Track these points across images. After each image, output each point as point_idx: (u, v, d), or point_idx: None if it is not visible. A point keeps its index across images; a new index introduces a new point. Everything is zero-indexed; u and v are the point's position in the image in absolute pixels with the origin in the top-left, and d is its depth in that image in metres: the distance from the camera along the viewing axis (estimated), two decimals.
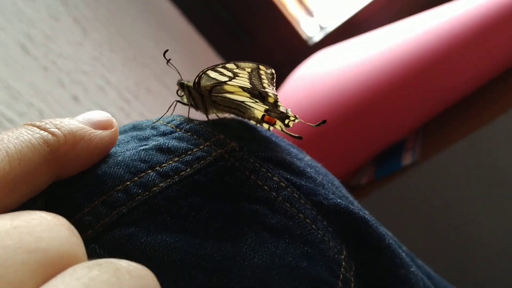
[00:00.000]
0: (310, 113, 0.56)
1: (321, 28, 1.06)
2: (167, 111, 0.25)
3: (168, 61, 0.26)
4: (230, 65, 0.22)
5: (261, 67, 0.22)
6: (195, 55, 0.98)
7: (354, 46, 0.63)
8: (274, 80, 0.22)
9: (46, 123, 0.17)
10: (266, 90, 0.23)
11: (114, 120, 0.20)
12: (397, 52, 0.52)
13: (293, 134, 0.24)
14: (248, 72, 0.22)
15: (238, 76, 0.22)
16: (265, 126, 0.25)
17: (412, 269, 0.21)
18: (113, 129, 0.19)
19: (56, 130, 0.17)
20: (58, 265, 0.11)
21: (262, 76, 0.22)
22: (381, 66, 0.52)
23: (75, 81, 0.74)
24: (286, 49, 1.04)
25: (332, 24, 1.04)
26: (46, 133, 0.16)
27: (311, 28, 1.07)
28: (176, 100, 0.26)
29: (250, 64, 0.22)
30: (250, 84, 0.23)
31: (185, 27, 0.98)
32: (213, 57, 1.00)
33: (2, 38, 0.69)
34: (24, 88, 0.68)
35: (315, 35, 1.05)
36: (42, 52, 0.72)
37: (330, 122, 0.54)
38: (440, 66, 0.49)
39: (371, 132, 0.52)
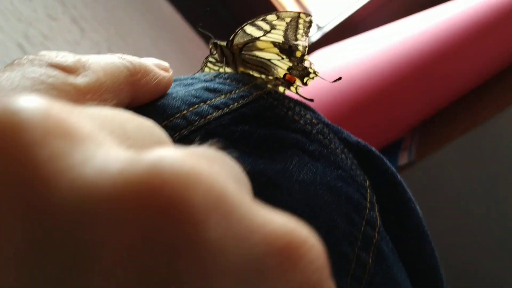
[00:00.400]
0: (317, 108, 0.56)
1: (319, 27, 1.06)
2: (200, 69, 0.28)
3: (199, 27, 0.30)
4: (270, 17, 0.24)
5: (301, 15, 0.24)
6: (193, 55, 0.98)
7: (350, 46, 0.63)
8: (311, 28, 0.25)
9: (124, 55, 0.21)
10: (297, 42, 0.25)
11: (169, 66, 0.23)
12: (394, 52, 0.52)
13: (306, 97, 0.27)
14: (287, 22, 0.24)
15: (275, 29, 0.24)
16: (281, 89, 0.27)
17: (418, 206, 0.25)
18: (170, 73, 0.22)
19: (133, 59, 0.20)
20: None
21: (300, 26, 0.24)
22: (377, 66, 0.52)
23: None
24: None
25: (330, 24, 1.04)
26: (126, 60, 0.20)
27: None
28: (207, 56, 0.28)
29: (291, 13, 0.24)
30: (284, 37, 0.24)
31: (184, 27, 0.98)
32: None
33: (0, 39, 0.69)
34: None
35: (313, 35, 1.05)
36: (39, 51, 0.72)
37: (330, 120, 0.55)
38: (436, 66, 0.49)
39: (368, 132, 0.52)
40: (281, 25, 0.24)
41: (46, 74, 0.16)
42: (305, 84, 0.26)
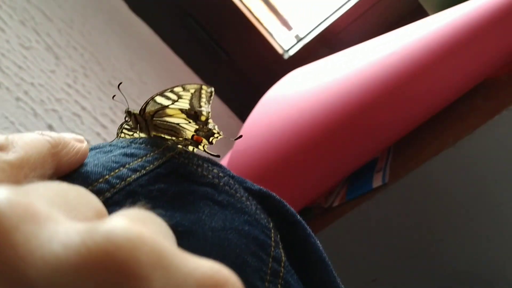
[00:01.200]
0: (281, 135, 0.56)
1: (298, 38, 1.06)
2: (117, 137, 0.31)
3: (119, 88, 0.32)
4: (177, 88, 0.27)
5: (203, 87, 0.27)
6: (172, 74, 0.98)
7: (326, 65, 0.63)
8: (212, 97, 0.28)
9: (44, 133, 0.23)
10: (202, 109, 0.28)
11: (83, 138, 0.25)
12: (368, 71, 0.52)
13: (212, 153, 0.30)
14: (191, 93, 0.27)
15: (181, 98, 0.28)
16: (190, 148, 0.30)
17: (317, 240, 0.28)
18: (85, 143, 0.25)
19: (52, 134, 0.22)
20: (101, 215, 0.16)
21: (202, 95, 0.28)
22: (352, 87, 0.52)
23: (49, 109, 0.74)
24: (262, 63, 1.04)
25: (308, 36, 1.04)
26: (46, 135, 0.22)
27: (286, 42, 1.08)
28: (122, 123, 0.31)
29: (194, 85, 0.27)
30: (189, 105, 0.28)
31: (161, 47, 0.98)
32: (190, 75, 1.00)
33: None
34: None
35: (291, 48, 1.05)
36: (14, 83, 0.72)
37: (300, 145, 0.54)
38: (411, 85, 0.49)
39: (342, 154, 0.52)
40: (186, 95, 0.27)
41: None
42: (210, 143, 0.30)
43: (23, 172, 0.19)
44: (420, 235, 0.49)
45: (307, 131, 0.52)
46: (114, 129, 0.81)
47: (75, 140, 0.24)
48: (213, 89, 0.28)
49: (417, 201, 0.48)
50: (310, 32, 1.05)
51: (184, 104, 0.28)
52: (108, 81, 0.84)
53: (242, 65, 1.04)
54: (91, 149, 0.28)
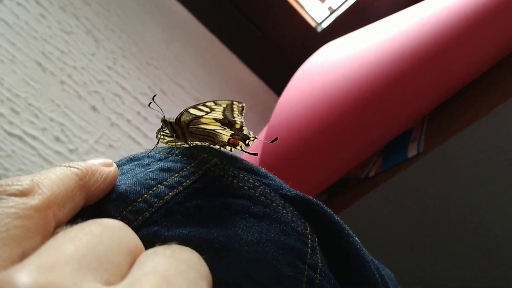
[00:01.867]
0: (317, 108, 0.57)
1: (330, 10, 1.06)
2: (156, 144, 0.31)
3: (153, 100, 0.32)
4: (209, 103, 0.28)
5: (234, 102, 0.28)
6: (208, 52, 0.99)
7: (359, 37, 0.63)
8: (244, 111, 0.29)
9: (71, 163, 0.23)
10: (235, 119, 0.29)
11: (112, 161, 0.26)
12: (401, 42, 0.52)
13: (250, 152, 0.31)
14: (223, 107, 0.28)
15: (214, 111, 0.28)
16: (228, 148, 0.31)
17: (356, 238, 0.28)
18: (114, 167, 0.25)
19: (79, 165, 0.23)
20: (135, 252, 0.17)
21: (234, 109, 0.28)
22: (385, 57, 0.52)
23: (92, 91, 0.77)
24: (296, 37, 1.04)
25: (341, 7, 1.04)
26: (73, 167, 0.22)
27: (319, 14, 1.07)
28: (161, 133, 0.31)
29: (226, 101, 0.28)
30: (223, 115, 0.29)
31: (196, 26, 0.99)
32: (226, 53, 1.01)
33: (20, 59, 0.72)
34: (43, 105, 0.71)
35: (324, 21, 1.05)
36: (57, 67, 0.75)
37: (336, 117, 0.55)
38: (445, 53, 0.49)
39: (377, 125, 0.52)
40: (219, 109, 0.28)
41: (7, 205, 0.18)
42: (247, 145, 0.30)
43: (51, 211, 0.20)
44: (455, 204, 0.50)
45: (342, 103, 0.53)
46: (154, 108, 0.83)
47: (103, 165, 0.25)
48: (243, 104, 0.28)
49: (452, 170, 0.49)
50: (342, 3, 1.04)
51: (218, 115, 0.29)
52: (146, 62, 0.86)
53: (276, 40, 1.04)
54: (130, 161, 0.29)
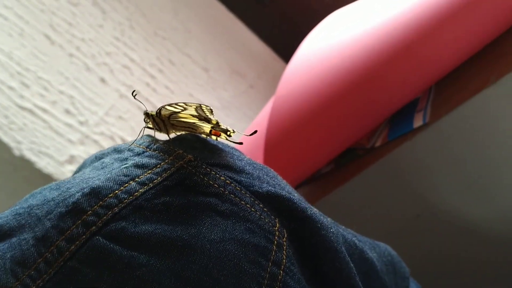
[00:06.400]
0: (323, 78, 0.56)
1: None
2: (138, 135, 0.32)
3: (134, 96, 0.33)
4: (180, 104, 0.30)
5: (202, 105, 0.29)
6: (216, 21, 0.99)
7: (367, 5, 0.62)
8: (212, 112, 0.30)
9: None
10: (209, 117, 0.30)
11: None
12: (410, 10, 0.51)
13: (234, 141, 0.32)
14: (194, 108, 0.30)
15: (187, 110, 0.30)
16: (213, 137, 0.32)
17: (332, 229, 0.29)
18: None
19: None
20: None
21: (204, 110, 0.30)
22: (393, 25, 0.52)
23: (100, 63, 0.78)
24: (304, 4, 1.03)
25: None
26: None
27: None
28: (144, 126, 0.33)
29: (195, 104, 0.29)
30: (197, 113, 0.30)
31: None
32: (234, 21, 1.01)
33: (28, 32, 0.72)
34: (53, 78, 0.72)
35: None
36: (66, 40, 0.75)
37: (342, 87, 0.55)
38: (455, 19, 0.48)
39: (384, 94, 0.52)
40: (191, 108, 0.30)
41: None
42: (229, 135, 0.31)
43: None
44: (462, 173, 0.50)
45: (349, 71, 0.52)
46: (162, 79, 0.84)
47: None
48: (211, 107, 0.30)
49: (458, 140, 0.49)
50: None
51: (192, 112, 0.30)
52: (154, 32, 0.86)
53: (284, 8, 1.03)
54: (114, 151, 0.30)
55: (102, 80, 0.77)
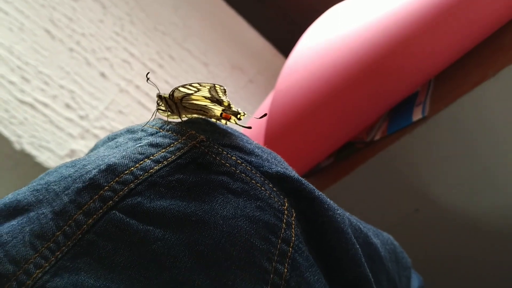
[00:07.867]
0: (322, 72, 0.57)
1: None
2: (152, 117, 0.33)
3: (147, 79, 0.34)
4: (194, 84, 0.30)
5: (216, 85, 0.30)
6: (216, 17, 0.99)
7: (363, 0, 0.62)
8: (226, 92, 0.31)
9: None
10: (222, 98, 0.31)
11: None
12: (409, 3, 0.52)
13: (243, 125, 0.33)
14: (208, 88, 0.30)
15: (200, 91, 0.30)
16: (223, 121, 0.33)
17: (338, 211, 0.30)
18: None
19: None
20: None
21: (218, 90, 0.30)
22: (393, 20, 0.52)
23: (101, 58, 0.78)
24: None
25: None
26: None
27: None
28: (156, 108, 0.33)
29: (209, 84, 0.30)
30: (210, 94, 0.31)
31: None
32: (233, 16, 1.01)
33: (29, 26, 0.72)
34: (53, 72, 0.72)
35: None
36: (66, 35, 0.75)
37: (341, 81, 0.55)
38: (454, 13, 0.48)
39: (383, 88, 0.53)
40: (204, 89, 0.30)
41: None
42: (239, 119, 0.32)
43: None
44: (461, 167, 0.50)
45: (347, 66, 0.53)
46: (162, 74, 0.84)
47: None
48: (224, 87, 0.30)
49: (457, 133, 0.49)
50: None
51: (205, 93, 0.31)
52: (154, 27, 0.86)
53: (284, 3, 1.03)
54: (127, 132, 0.31)
55: (102, 75, 0.77)
